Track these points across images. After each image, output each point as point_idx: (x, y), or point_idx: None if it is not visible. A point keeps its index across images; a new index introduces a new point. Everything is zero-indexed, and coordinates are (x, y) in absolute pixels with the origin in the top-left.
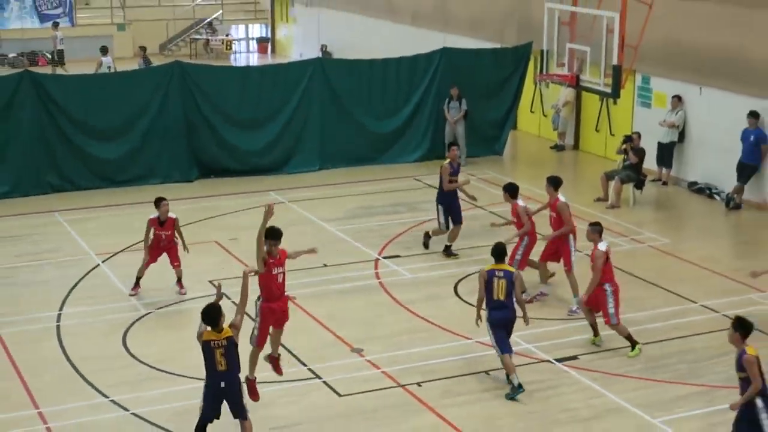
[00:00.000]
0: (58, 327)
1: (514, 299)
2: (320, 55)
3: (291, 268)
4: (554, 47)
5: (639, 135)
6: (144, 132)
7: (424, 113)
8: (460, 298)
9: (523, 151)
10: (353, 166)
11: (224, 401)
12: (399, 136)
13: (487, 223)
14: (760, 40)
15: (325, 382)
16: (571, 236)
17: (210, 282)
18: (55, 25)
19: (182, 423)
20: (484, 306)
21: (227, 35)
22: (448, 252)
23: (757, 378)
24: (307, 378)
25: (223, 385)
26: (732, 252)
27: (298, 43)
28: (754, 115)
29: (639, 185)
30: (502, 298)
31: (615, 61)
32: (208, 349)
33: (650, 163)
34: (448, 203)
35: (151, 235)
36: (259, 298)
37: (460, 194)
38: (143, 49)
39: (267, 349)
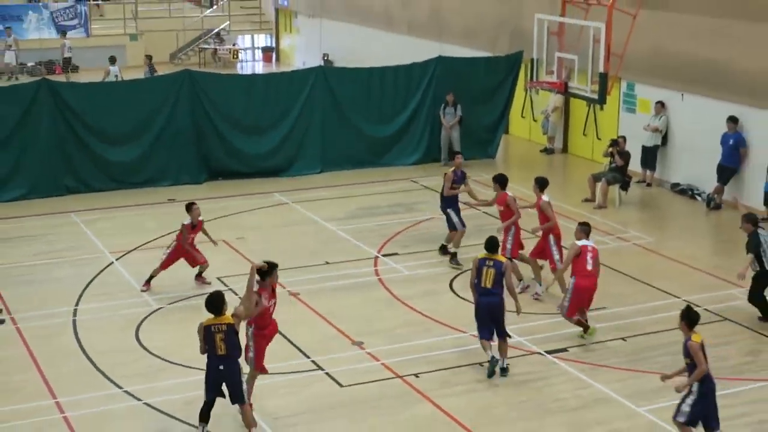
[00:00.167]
0: (74, 321)
1: (505, 288)
2: (322, 63)
3: (293, 265)
4: (544, 56)
5: (624, 139)
6: (155, 136)
7: (420, 118)
8: (455, 293)
9: (515, 154)
10: (353, 168)
11: (224, 384)
12: (397, 140)
13: (481, 223)
14: (739, 50)
15: (327, 374)
16: (551, 236)
17: (218, 279)
18: (64, 33)
19: (193, 412)
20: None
21: (234, 45)
22: (444, 251)
23: (702, 362)
24: (310, 369)
25: (222, 368)
26: (712, 250)
27: (301, 52)
28: (733, 120)
29: (624, 186)
30: (489, 286)
31: (601, 69)
32: (208, 333)
33: (635, 165)
34: (451, 207)
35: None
36: (250, 325)
37: (462, 198)
38: (149, 57)
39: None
